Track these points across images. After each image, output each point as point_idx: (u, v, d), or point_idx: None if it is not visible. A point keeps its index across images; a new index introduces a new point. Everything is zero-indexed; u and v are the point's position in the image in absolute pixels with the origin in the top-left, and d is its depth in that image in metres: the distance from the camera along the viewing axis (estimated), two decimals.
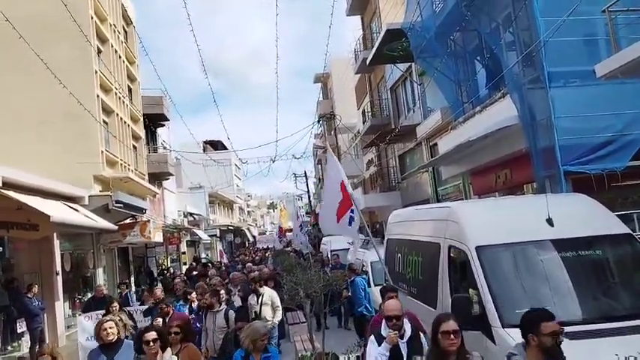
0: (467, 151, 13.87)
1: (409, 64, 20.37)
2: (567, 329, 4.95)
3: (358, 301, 10.69)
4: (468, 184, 16.89)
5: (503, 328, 5.10)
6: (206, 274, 16.48)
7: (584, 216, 6.20)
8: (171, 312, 8.29)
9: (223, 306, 8.72)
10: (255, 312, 9.39)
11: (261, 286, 9.88)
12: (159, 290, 10.81)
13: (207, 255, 43.15)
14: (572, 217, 6.11)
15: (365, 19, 28.62)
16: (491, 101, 13.10)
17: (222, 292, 9.50)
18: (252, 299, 9.78)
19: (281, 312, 9.80)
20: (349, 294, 11.16)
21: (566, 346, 4.76)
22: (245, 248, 49.18)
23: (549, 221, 5.82)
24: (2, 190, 11.53)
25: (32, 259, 14.99)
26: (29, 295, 12.62)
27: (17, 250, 14.71)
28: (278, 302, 9.64)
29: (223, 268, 20.99)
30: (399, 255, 8.75)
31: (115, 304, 9.28)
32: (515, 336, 4.92)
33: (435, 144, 18.07)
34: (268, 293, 9.70)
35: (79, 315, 10.94)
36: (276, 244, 28.86)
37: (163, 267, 28.43)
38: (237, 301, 10.37)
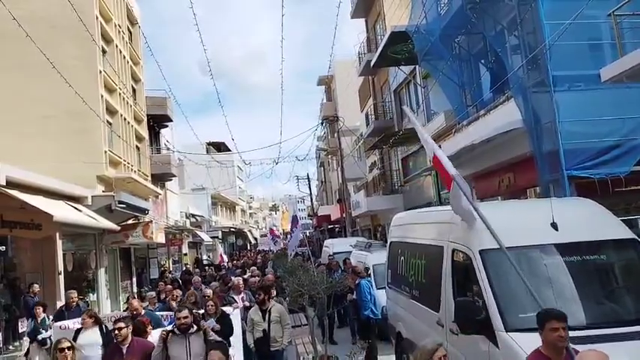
0: (470, 155, 13.83)
1: (413, 66, 20.35)
2: (572, 334, 4.94)
3: (364, 305, 10.58)
4: (470, 187, 16.84)
5: (506, 332, 5.07)
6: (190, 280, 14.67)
7: (589, 220, 6.16)
8: (131, 339, 6.32)
9: (210, 321, 7.66)
10: (265, 330, 8.07)
11: (269, 299, 8.38)
12: (135, 301, 9.02)
13: (209, 257, 43.15)
14: (576, 221, 6.07)
15: (369, 22, 28.64)
16: (495, 104, 13.07)
17: (210, 304, 8.32)
18: (256, 314, 8.26)
19: (290, 331, 8.50)
20: (354, 297, 11.07)
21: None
22: (247, 250, 49.17)
23: (554, 225, 5.78)
24: (6, 190, 11.54)
25: (35, 258, 15.01)
26: (32, 295, 12.63)
27: (20, 250, 14.73)
28: (288, 319, 8.35)
29: (223, 271, 19.71)
30: (402, 258, 8.71)
31: (86, 316, 7.93)
32: (518, 340, 4.92)
33: (439, 147, 18.01)
34: (277, 308, 8.30)
35: (54, 323, 9.57)
36: (272, 247, 28.61)
37: (165, 268, 28.23)
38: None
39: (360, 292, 10.68)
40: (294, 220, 19.13)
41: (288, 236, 19.20)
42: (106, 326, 7.83)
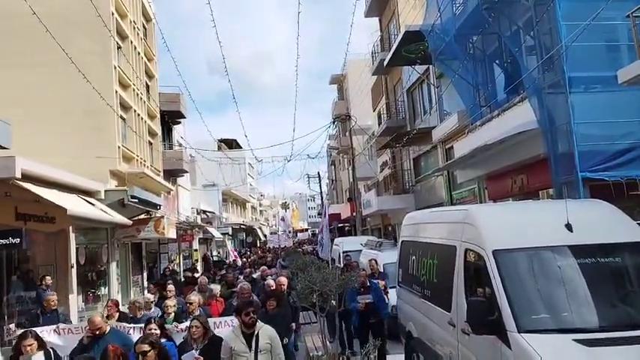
0: (483, 155, 13.78)
1: (426, 66, 20.30)
2: (584, 336, 4.92)
3: (384, 304, 10.24)
4: (483, 188, 16.79)
5: (519, 333, 5.05)
6: (194, 281, 13.57)
7: (604, 222, 6.11)
8: None
9: (190, 354, 5.85)
10: None
11: (255, 320, 5.86)
12: (98, 318, 6.85)
13: (219, 253, 43.29)
14: (591, 223, 6.03)
15: (383, 21, 28.60)
16: (509, 105, 13.01)
17: (196, 325, 6.22)
18: (238, 341, 5.75)
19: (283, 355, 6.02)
20: (369, 299, 10.34)
21: (584, 353, 4.73)
22: (257, 247, 49.23)
23: (568, 226, 5.74)
24: (21, 183, 11.65)
25: (48, 251, 15.13)
26: (44, 287, 12.73)
27: (34, 243, 14.84)
28: (280, 345, 5.97)
29: (231, 272, 17.71)
30: (414, 257, 8.70)
31: (30, 339, 6.20)
32: (531, 341, 4.90)
33: (451, 147, 17.99)
34: (266, 331, 5.86)
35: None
36: (283, 242, 28.27)
37: (168, 267, 27.57)
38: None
39: (379, 292, 10.28)
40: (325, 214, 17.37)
41: (318, 234, 16.51)
42: (52, 351, 6.34)
